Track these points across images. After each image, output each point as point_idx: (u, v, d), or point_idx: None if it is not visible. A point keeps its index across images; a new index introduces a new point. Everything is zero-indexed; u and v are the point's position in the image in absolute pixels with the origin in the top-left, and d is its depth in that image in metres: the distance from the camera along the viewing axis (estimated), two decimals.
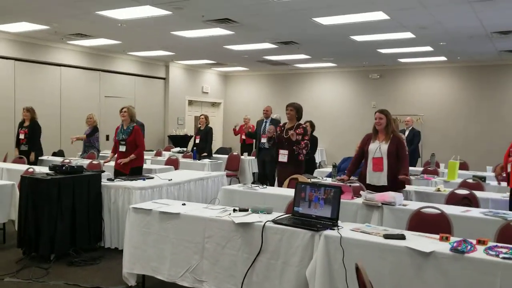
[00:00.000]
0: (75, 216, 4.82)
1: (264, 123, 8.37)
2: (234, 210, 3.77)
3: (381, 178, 4.81)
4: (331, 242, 3.07)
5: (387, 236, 3.02)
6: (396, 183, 4.78)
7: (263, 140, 8.18)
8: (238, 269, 3.43)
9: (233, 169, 9.21)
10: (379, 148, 4.84)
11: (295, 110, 5.90)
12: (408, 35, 8.54)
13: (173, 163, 8.14)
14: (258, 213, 3.69)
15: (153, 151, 10.70)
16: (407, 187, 5.38)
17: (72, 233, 4.81)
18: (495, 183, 6.13)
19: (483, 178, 6.17)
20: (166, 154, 9.84)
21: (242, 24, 7.97)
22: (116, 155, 6.38)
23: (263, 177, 8.35)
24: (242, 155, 9.71)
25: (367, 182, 4.90)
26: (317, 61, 12.42)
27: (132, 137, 6.23)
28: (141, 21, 7.94)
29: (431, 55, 11.02)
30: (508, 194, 5.05)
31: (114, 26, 8.33)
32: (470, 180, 5.81)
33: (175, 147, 11.63)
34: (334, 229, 3.18)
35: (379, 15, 7.10)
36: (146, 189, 5.07)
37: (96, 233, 5.07)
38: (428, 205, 3.82)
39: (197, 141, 9.02)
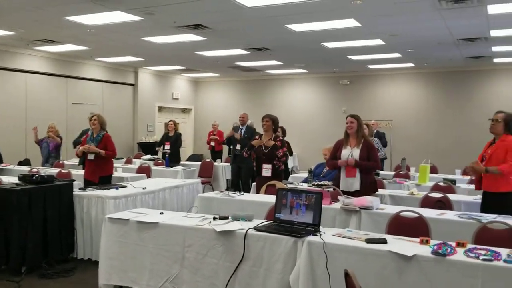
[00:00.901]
0: (46, 227, 4.65)
1: (240, 130, 8.34)
2: (214, 218, 3.72)
3: (354, 184, 4.87)
4: (314, 248, 3.07)
5: (369, 241, 3.04)
6: (368, 188, 4.85)
7: (238, 147, 8.18)
8: (219, 278, 3.39)
9: (207, 176, 9.13)
10: (351, 154, 4.89)
11: (271, 121, 5.87)
12: (378, 42, 8.71)
13: (145, 171, 8.00)
14: (239, 220, 3.65)
15: (122, 158, 10.49)
16: (381, 191, 5.46)
17: (44, 244, 4.64)
18: (465, 186, 6.30)
19: (454, 181, 6.32)
20: (137, 162, 9.66)
21: (215, 30, 7.94)
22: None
23: (238, 184, 8.33)
24: (215, 161, 9.65)
25: (341, 188, 4.93)
26: (289, 67, 12.50)
27: (102, 145, 6.10)
28: (110, 27, 7.79)
29: (399, 62, 11.27)
30: (479, 196, 5.19)
31: (83, 31, 8.15)
32: (441, 183, 5.94)
33: (145, 154, 11.45)
34: (316, 235, 3.19)
35: (351, 23, 7.20)
36: (120, 198, 4.95)
37: (68, 244, 4.91)
38: (406, 209, 3.88)
39: (167, 147, 8.91)
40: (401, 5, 6.26)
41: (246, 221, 3.65)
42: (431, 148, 11.69)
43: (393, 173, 7.77)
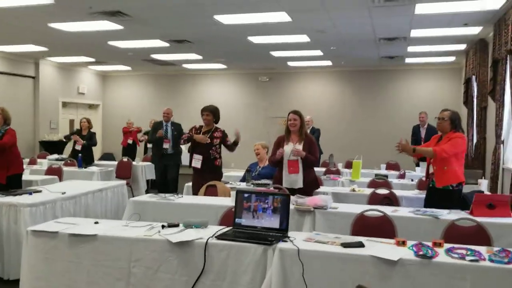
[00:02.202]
0: None
1: (165, 127, 7.77)
2: (163, 227, 3.25)
3: (298, 181, 4.68)
4: (287, 256, 2.75)
5: (345, 245, 2.79)
6: (311, 185, 4.69)
7: (166, 145, 7.62)
8: None
9: (125, 177, 8.39)
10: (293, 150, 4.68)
11: (212, 114, 5.47)
12: (304, 38, 8.63)
13: (56, 173, 7.13)
14: (192, 227, 3.22)
15: (24, 159, 9.33)
16: (322, 188, 5.32)
17: None
18: (396, 181, 6.39)
19: (386, 176, 6.39)
20: (43, 163, 8.66)
21: (135, 18, 7.30)
22: None
23: (164, 184, 7.78)
24: (134, 160, 8.95)
25: (284, 185, 4.70)
26: (208, 62, 12.07)
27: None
28: (12, 11, 6.82)
29: (319, 59, 11.38)
30: (417, 191, 5.26)
31: None
32: (378, 179, 5.95)
33: (50, 153, 10.33)
34: (286, 241, 2.87)
35: (282, 16, 7.00)
36: (37, 205, 4.23)
37: None
38: (370, 207, 3.71)
39: (78, 147, 8.06)
40: (334, 0, 6.19)
41: (201, 228, 3.22)
42: (348, 145, 11.96)
43: (321, 169, 7.70)
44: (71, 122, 13.44)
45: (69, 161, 8.27)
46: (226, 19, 7.28)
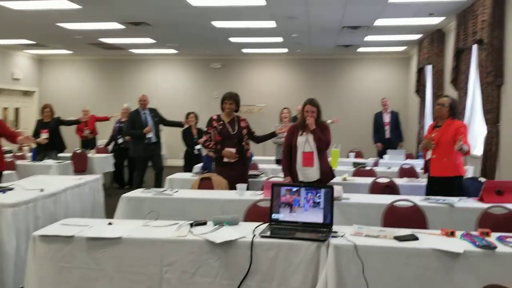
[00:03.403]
0: None
1: (143, 115, 7.27)
2: (192, 225, 2.96)
3: (313, 174, 4.44)
4: (343, 253, 2.59)
5: (400, 238, 2.68)
6: (327, 176, 4.51)
7: (150, 134, 7.12)
8: None
9: (81, 170, 7.79)
10: (307, 142, 4.46)
11: (235, 103, 4.96)
12: (271, 24, 8.44)
13: (8, 167, 6.42)
14: (223, 225, 2.96)
15: None
16: None
17: None
18: (378, 169, 6.36)
19: (364, 165, 6.41)
20: None
21: None
22: None
23: (140, 177, 7.34)
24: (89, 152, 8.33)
25: (300, 179, 4.44)
26: (160, 47, 11.50)
27: None
28: None
29: (275, 47, 11.25)
30: (407, 179, 5.30)
31: None
32: (364, 168, 5.94)
33: None
34: (336, 237, 2.71)
35: (258, 0, 6.76)
36: (19, 205, 3.73)
37: None
38: (400, 197, 3.63)
39: (44, 136, 7.31)
40: None
41: (232, 225, 2.98)
42: None
43: None
44: (5, 110, 12.29)
45: (17, 154, 7.53)
46: (195, 1, 6.90)
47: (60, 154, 8.06)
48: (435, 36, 8.93)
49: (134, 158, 7.50)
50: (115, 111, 9.89)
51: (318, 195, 2.88)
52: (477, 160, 6.38)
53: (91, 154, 8.28)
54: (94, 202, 5.08)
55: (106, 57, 13.07)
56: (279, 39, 10.10)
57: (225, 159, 4.85)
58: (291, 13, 7.60)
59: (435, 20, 8.17)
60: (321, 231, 2.77)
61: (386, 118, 8.80)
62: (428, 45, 9.39)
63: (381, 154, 8.41)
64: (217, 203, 4.02)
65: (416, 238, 2.69)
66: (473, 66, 6.99)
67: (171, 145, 12.21)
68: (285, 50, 11.70)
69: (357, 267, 2.56)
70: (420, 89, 10.27)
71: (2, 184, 4.51)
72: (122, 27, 8.87)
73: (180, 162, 7.99)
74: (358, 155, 8.17)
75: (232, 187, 4.48)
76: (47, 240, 2.79)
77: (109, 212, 5.34)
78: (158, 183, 7.21)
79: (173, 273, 2.72)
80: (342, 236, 2.70)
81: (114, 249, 2.74)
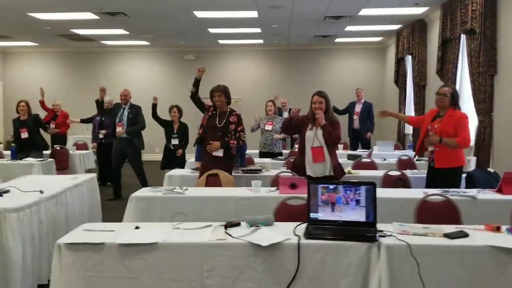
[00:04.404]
0: None
1: (122, 110, 6.98)
2: (226, 227, 2.80)
3: (324, 169, 4.31)
4: (396, 253, 2.49)
5: (449, 236, 2.61)
6: (339, 171, 4.41)
7: (118, 129, 6.88)
8: None
9: (62, 168, 7.42)
10: (316, 137, 4.34)
11: (224, 94, 4.86)
12: (253, 14, 8.26)
13: None
14: (258, 226, 2.81)
15: None
16: None
17: None
18: (378, 161, 6.30)
19: (359, 157, 6.37)
20: None
21: None
22: None
23: (118, 173, 7.08)
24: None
25: (308, 174, 4.32)
26: (133, 38, 11.10)
27: None
28: None
29: (251, 38, 11.08)
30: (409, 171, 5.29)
31: None
32: (365, 160, 5.88)
33: None
34: (384, 236, 2.62)
35: None
36: (23, 209, 3.45)
37: None
38: (432, 192, 3.56)
39: (23, 135, 6.88)
40: None
41: (267, 225, 2.84)
42: None
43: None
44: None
45: None
46: None
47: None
48: (416, 26, 9.01)
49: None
50: (86, 104, 9.50)
51: (358, 192, 2.78)
52: (469, 150, 6.47)
53: (72, 151, 7.90)
54: (91, 202, 4.81)
55: (74, 49, 12.53)
56: (258, 30, 9.94)
57: (208, 149, 4.74)
58: (276, 2, 7.44)
59: (419, 10, 8.23)
60: (366, 231, 2.67)
61: (357, 108, 9.03)
62: (408, 35, 9.46)
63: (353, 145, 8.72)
64: (232, 201, 3.87)
65: (466, 235, 2.63)
66: (462, 56, 7.07)
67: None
68: (261, 41, 11.55)
69: (411, 267, 2.46)
70: (399, 79, 10.37)
71: None
72: (96, 17, 8.46)
73: (158, 157, 7.70)
74: (346, 147, 8.17)
75: None
76: (74, 248, 2.56)
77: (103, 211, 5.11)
78: (142, 183, 6.97)
79: (214, 278, 2.55)
80: (390, 236, 2.61)
81: (150, 256, 2.55)
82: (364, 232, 2.65)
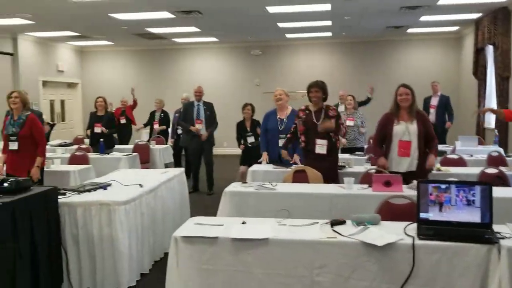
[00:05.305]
0: (36, 254, 3.18)
1: (196, 107, 7.17)
2: (332, 225, 2.81)
3: (412, 164, 4.23)
4: None
5: None
6: (423, 169, 4.30)
7: (198, 126, 7.05)
8: None
9: (144, 162, 7.74)
10: (406, 130, 4.26)
11: (321, 90, 4.86)
12: (326, 7, 8.17)
13: (82, 161, 6.39)
14: (365, 225, 2.79)
15: None
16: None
17: (34, 280, 3.18)
18: (466, 157, 6.04)
19: (444, 153, 6.15)
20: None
21: None
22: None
23: (198, 167, 7.34)
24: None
25: (393, 169, 4.28)
26: (204, 35, 11.33)
27: (26, 130, 4.73)
28: None
29: (320, 31, 10.96)
30: None
31: None
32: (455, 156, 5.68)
33: None
34: (504, 238, 2.51)
35: None
36: (129, 203, 3.64)
37: (58, 273, 3.48)
38: None
39: (97, 130, 7.28)
40: None
41: (374, 225, 2.81)
42: None
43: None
44: (52, 103, 12.32)
45: (82, 147, 7.48)
46: None
47: (123, 146, 8.07)
48: (499, 15, 8.53)
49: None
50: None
51: (472, 192, 2.68)
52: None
53: (152, 145, 8.21)
54: (181, 195, 4.98)
55: (146, 47, 12.98)
56: (328, 23, 9.81)
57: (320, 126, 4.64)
58: None
59: None
60: (483, 232, 2.58)
61: (434, 101, 8.77)
62: (489, 24, 8.99)
63: None
64: (325, 198, 3.85)
65: None
66: None
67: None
68: (329, 34, 11.40)
69: None
70: (478, 71, 9.89)
71: (99, 180, 4.44)
72: (172, 16, 8.69)
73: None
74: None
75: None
76: (189, 241, 2.67)
77: None
78: (208, 177, 7.28)
79: (325, 276, 2.57)
80: (510, 238, 2.51)
81: (261, 251, 2.61)
82: (481, 233, 2.56)
